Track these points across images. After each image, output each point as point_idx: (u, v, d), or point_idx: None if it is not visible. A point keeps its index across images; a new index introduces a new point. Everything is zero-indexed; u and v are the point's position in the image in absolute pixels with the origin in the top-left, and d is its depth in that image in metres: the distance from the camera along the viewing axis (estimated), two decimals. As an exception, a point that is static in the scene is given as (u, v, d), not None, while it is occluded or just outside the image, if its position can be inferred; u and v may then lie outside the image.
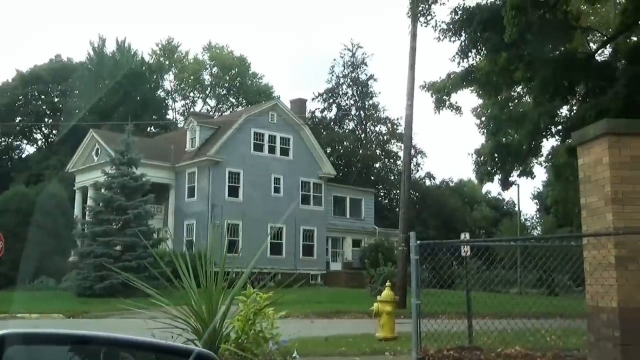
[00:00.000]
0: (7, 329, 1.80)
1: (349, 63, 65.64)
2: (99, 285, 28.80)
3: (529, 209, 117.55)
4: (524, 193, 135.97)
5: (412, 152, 53.10)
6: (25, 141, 63.37)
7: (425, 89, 26.38)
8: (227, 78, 69.50)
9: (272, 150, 41.95)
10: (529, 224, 73.55)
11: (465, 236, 15.16)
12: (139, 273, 21.31)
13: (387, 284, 15.52)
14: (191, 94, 71.07)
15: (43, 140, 63.81)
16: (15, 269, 29.93)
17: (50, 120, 61.80)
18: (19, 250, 28.79)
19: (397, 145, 65.12)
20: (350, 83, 65.94)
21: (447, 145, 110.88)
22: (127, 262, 27.98)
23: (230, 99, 71.60)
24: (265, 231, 38.11)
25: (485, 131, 32.44)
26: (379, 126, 66.86)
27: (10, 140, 61.94)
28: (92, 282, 29.26)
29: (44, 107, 62.08)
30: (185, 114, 66.93)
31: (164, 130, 62.76)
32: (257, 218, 38.42)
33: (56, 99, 62.10)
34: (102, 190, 33.20)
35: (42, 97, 61.83)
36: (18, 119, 59.86)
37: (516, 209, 58.86)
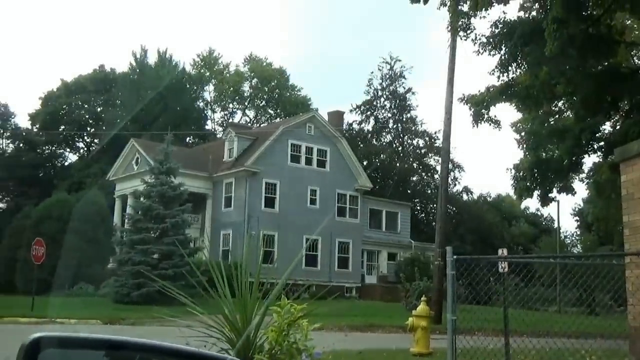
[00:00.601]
0: (44, 332, 1.82)
1: (387, 76, 65.69)
2: (136, 293, 29.13)
3: (568, 225, 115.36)
4: (564, 209, 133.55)
5: (450, 166, 52.77)
6: (68, 149, 64.74)
7: (464, 101, 26.13)
8: (266, 90, 70.11)
9: (309, 161, 42.08)
10: (569, 241, 72.11)
11: (502, 252, 14.93)
12: (176, 281, 21.46)
13: (423, 298, 15.33)
14: (230, 105, 71.89)
15: (85, 148, 65.13)
16: (56, 274, 30.46)
17: (93, 130, 63.05)
18: (60, 256, 29.33)
19: (434, 159, 64.76)
20: (389, 96, 65.90)
21: (486, 160, 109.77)
22: (164, 271, 28.20)
23: (269, 110, 72.15)
24: (300, 243, 38.16)
25: (524, 146, 31.99)
26: (416, 139, 66.62)
27: (53, 148, 63.33)
28: (129, 290, 29.60)
29: (87, 116, 63.43)
30: (224, 124, 67.65)
31: (202, 141, 63.50)
32: (292, 229, 38.49)
33: (99, 109, 63.42)
34: (141, 199, 33.66)
35: (85, 106, 63.19)
36: (62, 127, 61.24)
37: (555, 225, 57.84)
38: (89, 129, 63.55)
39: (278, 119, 66.84)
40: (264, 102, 71.71)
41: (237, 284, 7.74)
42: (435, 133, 63.59)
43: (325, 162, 42.95)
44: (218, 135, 64.72)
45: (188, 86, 66.01)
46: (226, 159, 42.15)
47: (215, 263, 7.94)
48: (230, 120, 68.14)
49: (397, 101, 65.65)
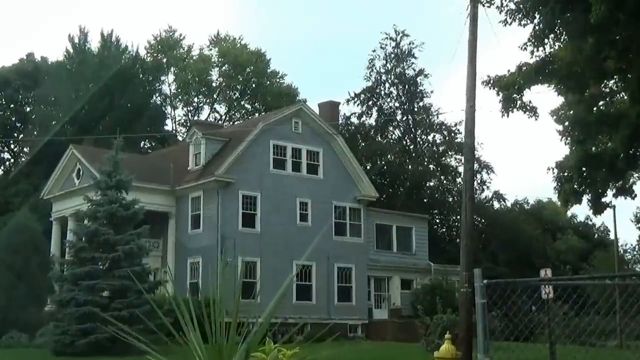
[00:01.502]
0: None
1: (392, 56, 65.88)
2: (82, 341, 28.96)
3: (628, 237, 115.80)
4: (622, 217, 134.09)
5: (476, 166, 52.86)
6: (-11, 162, 64.64)
7: (490, 85, 26.16)
8: (240, 79, 70.25)
9: (296, 167, 42.11)
10: (630, 256, 72.32)
11: (546, 273, 14.96)
12: (132, 325, 21.36)
13: (447, 336, 15.41)
14: (195, 99, 72.00)
15: (11, 159, 64.97)
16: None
17: (21, 135, 62.92)
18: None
19: (455, 159, 64.94)
20: (395, 81, 66.06)
21: (520, 158, 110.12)
22: (117, 312, 28.13)
23: (244, 104, 72.26)
24: (289, 270, 38.10)
25: (568, 138, 32.07)
26: (432, 134, 66.87)
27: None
28: (73, 337, 29.44)
29: (13, 118, 63.36)
30: (188, 123, 67.67)
31: (161, 145, 63.48)
32: (279, 253, 38.42)
33: (27, 108, 63.34)
34: (85, 221, 33.52)
35: (10, 105, 63.11)
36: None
37: (612, 237, 57.96)
38: (15, 134, 63.45)
39: (256, 114, 66.92)
40: (237, 94, 71.84)
41: (210, 325, 7.72)
42: (455, 126, 63.82)
43: (318, 166, 42.96)
44: (180, 138, 64.70)
45: (141, 76, 66.07)
46: (192, 167, 42.12)
47: (181, 300, 7.92)
48: (196, 117, 68.22)
49: (406, 87, 65.78)
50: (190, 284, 38.50)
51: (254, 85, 70.64)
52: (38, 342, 33.09)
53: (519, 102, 26.22)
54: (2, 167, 64.77)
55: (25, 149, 63.21)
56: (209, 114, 71.41)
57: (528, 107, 26.63)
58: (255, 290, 33.27)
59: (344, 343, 34.93)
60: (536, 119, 26.10)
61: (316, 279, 41.16)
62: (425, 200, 63.93)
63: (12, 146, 64.07)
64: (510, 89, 25.57)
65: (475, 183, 49.68)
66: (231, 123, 67.76)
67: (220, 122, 68.23)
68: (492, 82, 26.29)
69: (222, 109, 73.11)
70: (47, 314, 34.86)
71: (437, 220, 64.96)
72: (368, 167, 60.19)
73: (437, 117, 65.96)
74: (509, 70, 26.14)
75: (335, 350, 21.52)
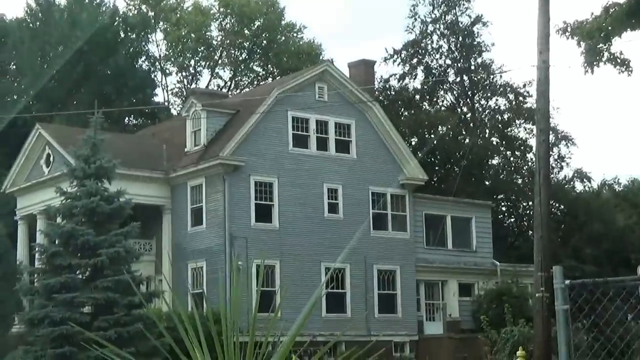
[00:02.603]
0: None
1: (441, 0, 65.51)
2: (59, 370, 29.28)
3: None
4: None
5: (552, 137, 52.33)
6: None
7: (568, 34, 25.97)
8: (248, 34, 70.10)
9: (322, 145, 42.11)
10: None
11: (646, 271, 14.84)
12: (122, 347, 21.58)
13: (520, 353, 15.39)
14: (192, 62, 71.98)
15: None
16: None
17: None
18: None
19: (525, 129, 64.65)
20: (445, 31, 65.73)
21: (609, 126, 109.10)
22: (102, 332, 28.33)
23: (254, 66, 72.16)
24: (317, 275, 38.20)
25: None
26: (494, 98, 66.43)
27: None
28: (48, 365, 29.76)
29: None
30: (184, 93, 67.80)
31: (150, 121, 63.59)
32: (302, 254, 38.63)
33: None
34: (59, 220, 33.75)
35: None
36: None
37: None
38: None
39: (269, 79, 66.90)
40: (245, 55, 71.75)
41: (220, 346, 7.76)
42: (524, 87, 63.53)
43: (350, 143, 42.92)
44: (175, 111, 64.83)
45: (123, 35, 66.11)
46: (190, 147, 42.21)
47: (183, 314, 7.96)
48: (194, 85, 68.23)
49: (460, 39, 65.41)
50: (192, 295, 38.59)
51: (264, 42, 70.49)
52: (5, 372, 33.46)
53: (606, 53, 26.00)
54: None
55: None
56: (210, 81, 71.67)
57: (618, 60, 26.39)
58: (274, 302, 33.35)
59: (388, 366, 34.99)
60: (629, 75, 25.86)
61: (351, 285, 41.20)
62: (487, 183, 63.64)
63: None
64: (595, 38, 25.35)
65: (551, 159, 49.28)
66: (238, 91, 67.83)
67: (224, 90, 68.25)
68: (570, 29, 26.06)
69: (225, 73, 73.28)
70: (15, 336, 35.21)
71: (503, 208, 64.70)
72: (413, 143, 60.01)
73: (501, 77, 65.87)
74: (592, 14, 25.90)
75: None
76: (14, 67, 61.47)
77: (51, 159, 42.08)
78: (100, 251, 31.19)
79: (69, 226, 32.00)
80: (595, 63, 25.91)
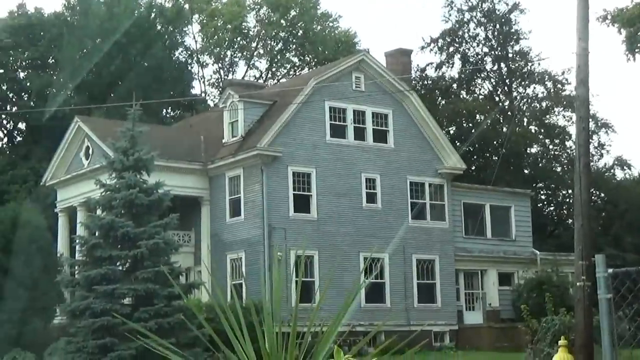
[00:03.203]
0: None
1: (478, -13, 65.18)
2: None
3: None
4: None
5: (591, 125, 51.89)
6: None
7: (609, 21, 25.78)
8: (285, 24, 70.09)
9: (360, 134, 42.09)
10: None
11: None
12: (163, 337, 21.70)
13: (561, 342, 15.31)
14: (228, 53, 72.14)
15: (5, 138, 65.99)
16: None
17: (15, 107, 63.79)
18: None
19: (564, 116, 64.26)
20: (482, 19, 65.38)
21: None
22: (142, 322, 28.40)
23: (290, 57, 72.13)
24: (355, 265, 38.14)
25: None
26: (532, 86, 66.07)
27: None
28: (90, 356, 29.85)
29: (4, 86, 64.13)
30: (221, 84, 67.94)
31: (188, 113, 63.83)
32: (341, 244, 38.66)
33: (22, 74, 64.11)
34: (99, 212, 33.97)
35: (0, 71, 63.88)
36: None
37: None
38: (8, 107, 64.34)
39: (306, 69, 66.83)
40: (280, 45, 71.72)
41: (261, 337, 7.77)
42: (563, 74, 63.11)
43: (387, 133, 42.85)
44: (212, 103, 65.01)
45: (160, 28, 66.35)
46: (227, 139, 42.32)
47: (224, 306, 7.97)
48: (230, 77, 68.41)
49: (497, 27, 65.03)
50: (232, 285, 38.66)
51: (300, 32, 70.46)
52: (47, 363, 33.71)
53: (647, 39, 25.77)
54: (-6, 148, 65.62)
55: (20, 125, 64.14)
56: (246, 72, 71.74)
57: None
58: (314, 292, 33.38)
59: (428, 354, 34.94)
60: (670, 62, 25.63)
61: (390, 275, 41.16)
62: (526, 171, 63.29)
63: (4, 122, 64.98)
64: (636, 25, 25.13)
65: (591, 147, 48.86)
66: (275, 82, 67.86)
67: (261, 81, 68.33)
68: (611, 17, 25.87)
69: (262, 64, 73.37)
70: (57, 327, 35.43)
71: (543, 197, 64.32)
72: (451, 132, 59.78)
73: (539, 65, 65.26)
74: (632, 1, 25.69)
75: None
76: (53, 61, 61.79)
77: (90, 151, 42.35)
78: (140, 243, 31.33)
79: (109, 218, 32.15)
80: (636, 50, 25.74)
